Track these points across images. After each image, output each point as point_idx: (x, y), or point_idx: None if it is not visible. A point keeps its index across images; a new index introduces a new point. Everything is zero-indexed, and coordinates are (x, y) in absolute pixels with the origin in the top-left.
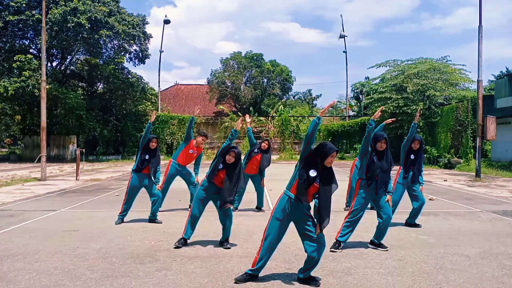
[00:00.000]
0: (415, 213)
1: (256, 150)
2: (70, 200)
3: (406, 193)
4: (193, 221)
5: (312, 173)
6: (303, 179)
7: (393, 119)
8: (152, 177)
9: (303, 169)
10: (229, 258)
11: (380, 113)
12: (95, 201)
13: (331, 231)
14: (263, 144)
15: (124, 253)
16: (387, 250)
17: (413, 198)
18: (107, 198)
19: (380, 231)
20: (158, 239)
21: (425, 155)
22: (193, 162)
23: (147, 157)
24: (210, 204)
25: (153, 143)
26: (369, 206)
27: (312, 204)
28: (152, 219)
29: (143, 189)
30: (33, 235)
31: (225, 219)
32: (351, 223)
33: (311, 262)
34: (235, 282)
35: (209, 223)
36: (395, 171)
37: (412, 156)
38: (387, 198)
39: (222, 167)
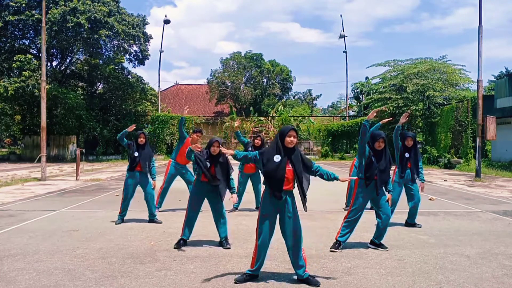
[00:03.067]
0: (412, 212)
1: (250, 149)
2: (70, 200)
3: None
4: (190, 221)
5: (276, 158)
6: (271, 168)
7: (390, 118)
8: (148, 174)
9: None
10: (229, 258)
11: (374, 114)
12: (95, 201)
13: (331, 231)
14: (256, 140)
15: (124, 253)
16: (387, 250)
17: (409, 197)
18: (107, 198)
19: (380, 231)
20: (158, 239)
21: (424, 155)
22: None
23: (136, 154)
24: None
25: (141, 139)
26: (368, 205)
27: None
28: (151, 219)
29: (141, 189)
30: (33, 235)
31: (219, 218)
32: (350, 223)
33: (290, 251)
34: (235, 283)
35: (209, 223)
36: (392, 171)
37: (407, 155)
38: (387, 197)
39: (210, 165)
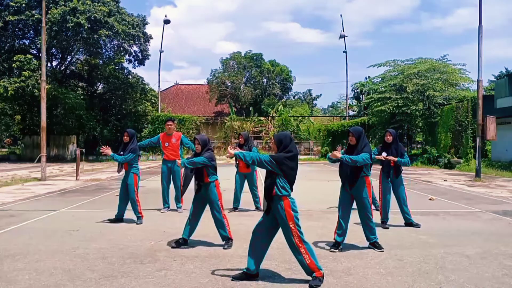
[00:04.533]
0: (403, 211)
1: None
2: (70, 200)
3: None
4: (190, 222)
5: None
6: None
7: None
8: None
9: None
10: (229, 258)
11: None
12: (95, 201)
13: (331, 231)
14: (239, 139)
15: (124, 253)
16: (382, 251)
17: (396, 197)
18: (107, 198)
19: (366, 228)
20: (158, 239)
21: (424, 155)
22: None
23: (121, 153)
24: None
25: (125, 137)
26: (373, 207)
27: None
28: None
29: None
30: (33, 235)
31: (213, 219)
32: (341, 222)
33: (299, 264)
34: (232, 279)
35: (209, 223)
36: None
37: (384, 154)
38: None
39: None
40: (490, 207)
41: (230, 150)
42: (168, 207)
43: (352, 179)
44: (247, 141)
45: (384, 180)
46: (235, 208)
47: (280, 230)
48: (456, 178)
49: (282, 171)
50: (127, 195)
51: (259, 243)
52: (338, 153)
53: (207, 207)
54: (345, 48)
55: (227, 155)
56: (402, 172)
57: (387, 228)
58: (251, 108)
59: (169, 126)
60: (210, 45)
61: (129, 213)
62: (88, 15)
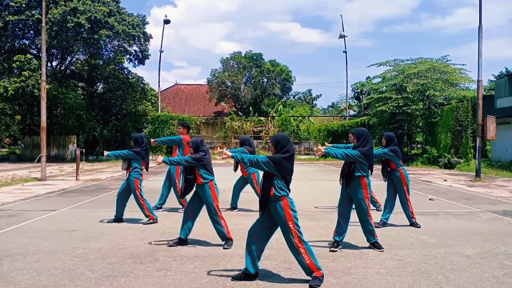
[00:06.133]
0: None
1: None
2: (70, 200)
3: (412, 193)
4: (186, 221)
5: None
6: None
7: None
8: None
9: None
10: (229, 258)
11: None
12: (95, 201)
13: (331, 231)
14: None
15: (124, 253)
16: (383, 251)
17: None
18: (107, 198)
19: (365, 230)
20: (158, 239)
21: (425, 155)
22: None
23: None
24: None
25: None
26: (373, 207)
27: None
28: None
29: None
30: (33, 235)
31: (211, 220)
32: (341, 220)
33: (299, 264)
34: (232, 279)
35: (209, 223)
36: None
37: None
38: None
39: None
40: (490, 207)
41: (226, 151)
42: (158, 206)
43: (347, 177)
44: (243, 145)
45: (387, 180)
46: (233, 207)
47: (278, 230)
48: (456, 178)
49: (279, 172)
50: (125, 197)
51: (256, 243)
52: (323, 148)
53: (204, 208)
54: (345, 48)
55: (223, 156)
56: (397, 173)
57: (379, 227)
58: (251, 108)
59: (178, 130)
60: (210, 45)
61: (129, 213)
62: (88, 15)
